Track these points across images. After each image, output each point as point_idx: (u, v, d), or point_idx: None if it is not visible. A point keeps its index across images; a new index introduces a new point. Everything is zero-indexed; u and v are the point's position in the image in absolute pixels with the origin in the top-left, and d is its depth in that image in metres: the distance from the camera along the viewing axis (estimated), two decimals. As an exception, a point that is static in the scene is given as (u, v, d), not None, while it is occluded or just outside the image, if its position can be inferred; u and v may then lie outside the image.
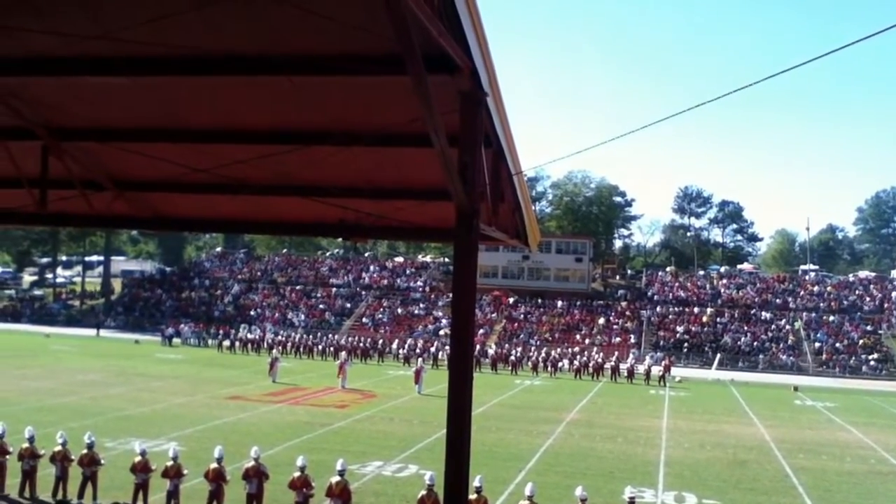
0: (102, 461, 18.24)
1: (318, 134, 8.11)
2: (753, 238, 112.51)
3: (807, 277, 79.50)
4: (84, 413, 27.54)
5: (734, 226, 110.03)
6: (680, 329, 67.20)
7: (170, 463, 17.23)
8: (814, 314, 69.05)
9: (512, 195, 9.62)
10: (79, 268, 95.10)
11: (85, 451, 17.89)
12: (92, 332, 65.95)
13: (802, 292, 73.24)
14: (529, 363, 52.91)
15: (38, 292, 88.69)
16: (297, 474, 16.76)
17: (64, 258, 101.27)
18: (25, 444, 18.10)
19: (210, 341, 60.96)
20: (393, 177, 9.32)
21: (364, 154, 8.46)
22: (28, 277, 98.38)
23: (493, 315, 71.02)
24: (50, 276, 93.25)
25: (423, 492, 16.14)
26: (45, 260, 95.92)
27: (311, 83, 7.14)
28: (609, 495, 19.59)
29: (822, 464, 26.17)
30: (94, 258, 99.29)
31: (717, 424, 33.14)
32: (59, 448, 17.94)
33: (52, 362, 43.39)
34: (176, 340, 60.74)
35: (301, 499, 16.68)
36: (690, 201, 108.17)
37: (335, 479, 16.60)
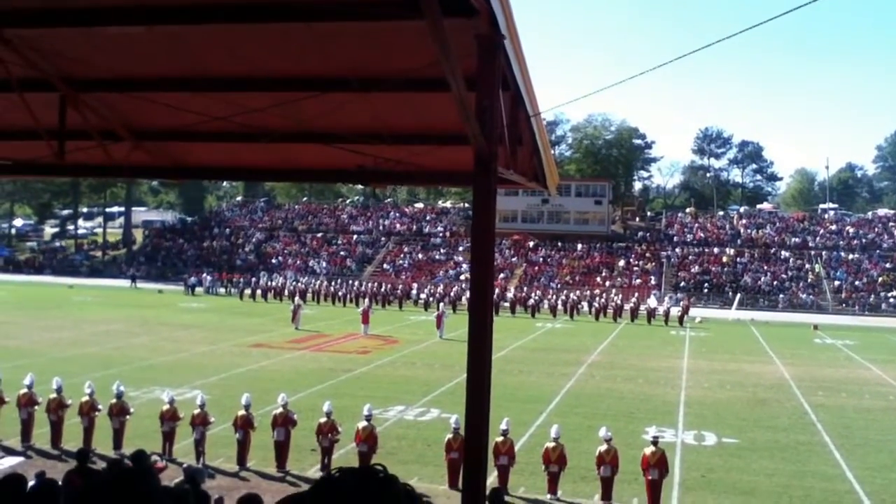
0: (132, 410, 18.58)
1: (335, 80, 8.06)
2: (773, 178, 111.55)
3: (826, 216, 78.84)
4: (109, 363, 27.98)
5: (754, 166, 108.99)
6: (700, 270, 67.06)
7: (197, 411, 17.52)
8: (833, 253, 68.61)
9: (530, 138, 9.55)
10: (100, 219, 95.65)
11: (114, 400, 18.20)
12: (117, 282, 66.62)
13: (822, 231, 72.72)
14: (547, 306, 53.07)
15: (59, 244, 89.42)
16: (323, 420, 17.03)
17: (85, 210, 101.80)
18: (53, 395, 18.37)
19: (232, 290, 61.46)
20: (411, 122, 9.27)
21: (381, 99, 8.41)
22: (49, 229, 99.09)
23: (514, 259, 71.11)
24: (71, 227, 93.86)
25: (450, 435, 16.39)
26: (66, 212, 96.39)
27: (328, 29, 7.08)
28: (629, 435, 19.82)
29: (840, 401, 26.30)
30: (115, 209, 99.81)
31: (736, 364, 33.27)
32: (86, 398, 18.24)
33: (75, 313, 43.99)
34: (198, 289, 61.30)
35: (327, 444, 16.97)
36: (710, 142, 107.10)
37: (362, 424, 16.88)
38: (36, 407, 18.50)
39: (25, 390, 18.49)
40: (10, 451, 17.48)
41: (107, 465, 11.78)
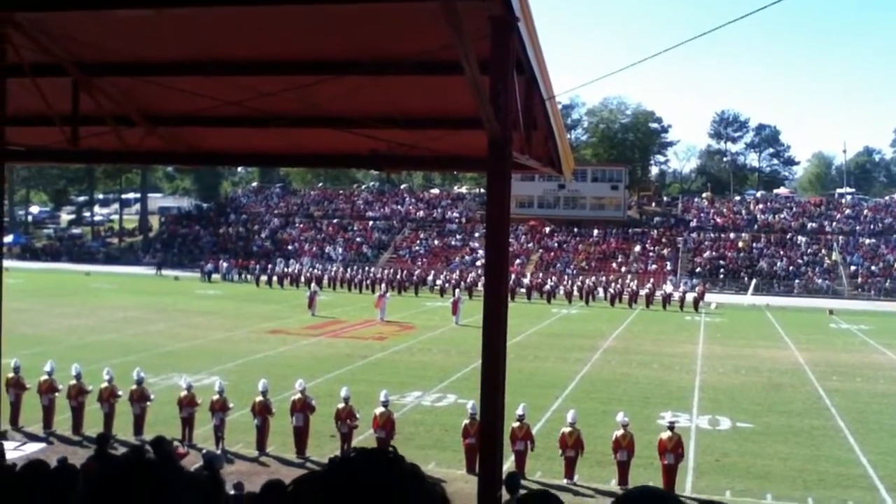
0: (152, 396, 18.70)
1: (348, 63, 8.03)
2: (790, 162, 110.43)
3: (843, 200, 78.15)
4: (127, 349, 28.13)
5: (771, 150, 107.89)
6: (715, 255, 66.74)
7: (215, 397, 17.61)
8: (850, 238, 68.09)
9: (545, 122, 9.49)
10: (116, 205, 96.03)
11: (134, 386, 18.34)
12: (133, 269, 66.96)
13: (838, 215, 72.14)
14: (563, 292, 52.90)
15: (76, 231, 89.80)
16: (341, 405, 17.08)
17: (101, 196, 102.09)
18: (73, 382, 18.52)
19: (248, 276, 61.60)
20: (424, 106, 9.22)
21: (395, 83, 8.38)
22: (65, 216, 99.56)
23: (530, 245, 70.97)
24: (87, 214, 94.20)
25: (467, 420, 16.41)
26: (81, 198, 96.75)
27: (341, 12, 7.05)
28: (645, 420, 19.79)
29: (855, 386, 26.17)
30: (131, 195, 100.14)
31: (751, 349, 33.12)
32: (105, 384, 18.38)
33: (92, 300, 44.25)
34: (214, 276, 61.51)
35: (345, 430, 17.01)
36: (727, 126, 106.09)
37: (379, 410, 16.92)
38: (56, 393, 18.66)
39: (46, 377, 18.65)
40: (32, 438, 17.64)
41: (127, 451, 11.88)
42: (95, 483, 1.76)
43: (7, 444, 12.43)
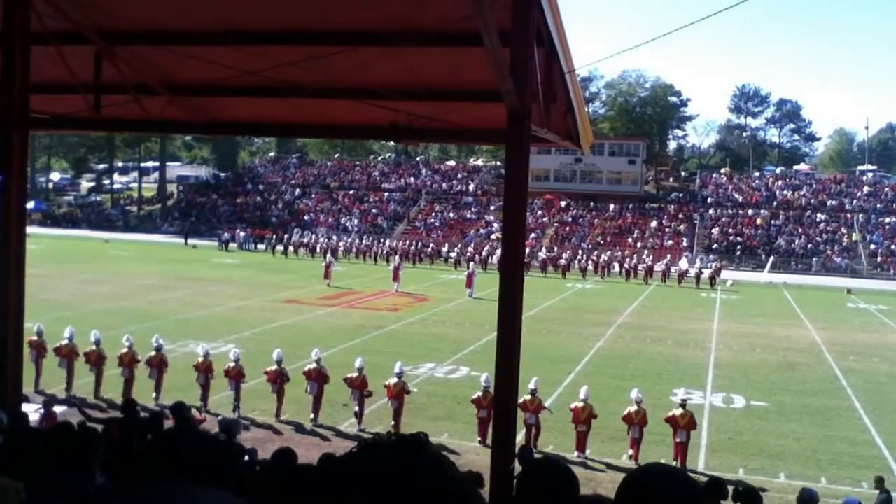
0: (169, 362, 18.99)
1: (367, 34, 8.02)
2: (811, 138, 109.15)
3: (864, 178, 77.30)
4: (145, 316, 28.42)
5: (791, 125, 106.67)
6: (733, 232, 66.35)
7: (231, 364, 17.83)
8: (871, 216, 67.46)
9: (564, 96, 9.45)
10: (135, 174, 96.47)
11: (153, 353, 18.62)
12: (152, 237, 67.37)
13: (859, 193, 71.39)
14: (577, 266, 52.74)
15: (96, 198, 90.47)
16: (354, 375, 17.22)
17: (120, 164, 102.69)
18: (92, 347, 18.87)
19: (261, 246, 61.82)
20: (444, 77, 9.20)
21: (414, 54, 8.35)
22: (86, 184, 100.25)
23: (545, 219, 70.81)
24: (107, 182, 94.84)
25: (479, 393, 16.52)
26: (101, 166, 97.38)
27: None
28: (658, 396, 19.83)
29: (872, 366, 26.07)
30: (150, 164, 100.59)
31: (767, 327, 33.03)
32: (125, 350, 18.65)
33: (111, 267, 44.63)
34: (232, 245, 61.83)
35: (358, 399, 17.18)
36: (747, 100, 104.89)
37: (392, 380, 17.05)
38: (77, 357, 18.99)
39: (66, 342, 18.98)
40: (55, 400, 17.91)
41: (148, 415, 12.07)
42: (119, 448, 1.82)
43: (28, 407, 12.62)
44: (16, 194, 9.53)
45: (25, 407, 11.62)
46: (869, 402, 21.04)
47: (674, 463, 15.13)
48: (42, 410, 13.99)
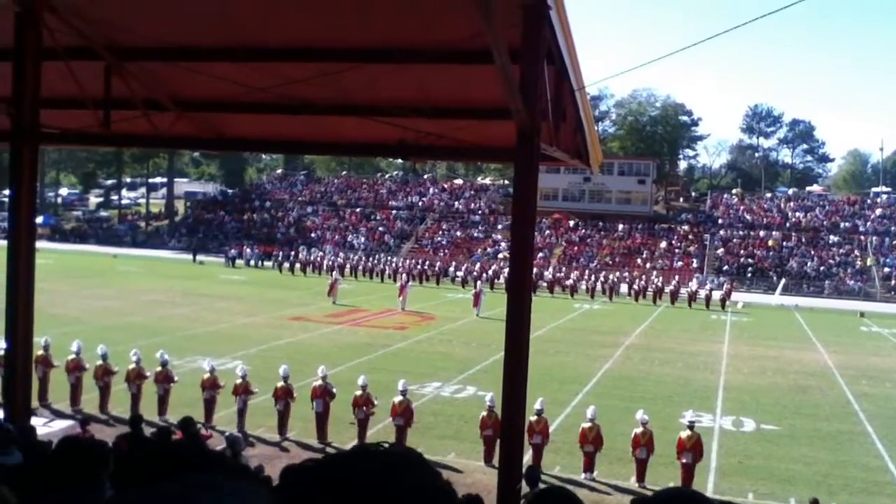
0: (176, 378, 18.92)
1: (376, 51, 8.00)
2: (824, 159, 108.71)
3: (878, 200, 76.83)
4: (151, 332, 28.36)
5: (804, 146, 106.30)
6: (744, 253, 66.03)
7: (238, 381, 17.78)
8: (885, 238, 67.01)
9: (574, 114, 9.40)
10: (143, 189, 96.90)
11: (159, 368, 18.59)
12: (160, 253, 67.48)
13: (872, 215, 70.95)
14: (585, 287, 52.46)
15: (104, 213, 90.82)
16: (358, 393, 17.15)
17: (128, 180, 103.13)
18: (99, 362, 18.85)
19: (272, 263, 61.78)
20: (453, 95, 9.17)
21: (423, 72, 8.33)
22: (94, 199, 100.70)
23: (553, 238, 70.66)
24: (115, 197, 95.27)
25: (484, 412, 16.41)
26: (109, 182, 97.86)
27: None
28: (667, 419, 19.63)
29: (885, 391, 25.79)
30: (158, 180, 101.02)
31: (778, 350, 32.77)
32: (132, 366, 18.63)
33: (119, 283, 44.68)
34: (238, 262, 61.84)
35: (362, 416, 17.10)
36: (760, 120, 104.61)
37: (397, 398, 16.97)
38: (83, 372, 19.00)
39: (73, 356, 18.99)
40: (59, 415, 17.85)
41: (155, 431, 12.01)
42: (128, 463, 1.76)
43: (36, 420, 12.58)
44: (25, 209, 9.52)
45: (33, 421, 11.58)
46: (882, 427, 20.78)
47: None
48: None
